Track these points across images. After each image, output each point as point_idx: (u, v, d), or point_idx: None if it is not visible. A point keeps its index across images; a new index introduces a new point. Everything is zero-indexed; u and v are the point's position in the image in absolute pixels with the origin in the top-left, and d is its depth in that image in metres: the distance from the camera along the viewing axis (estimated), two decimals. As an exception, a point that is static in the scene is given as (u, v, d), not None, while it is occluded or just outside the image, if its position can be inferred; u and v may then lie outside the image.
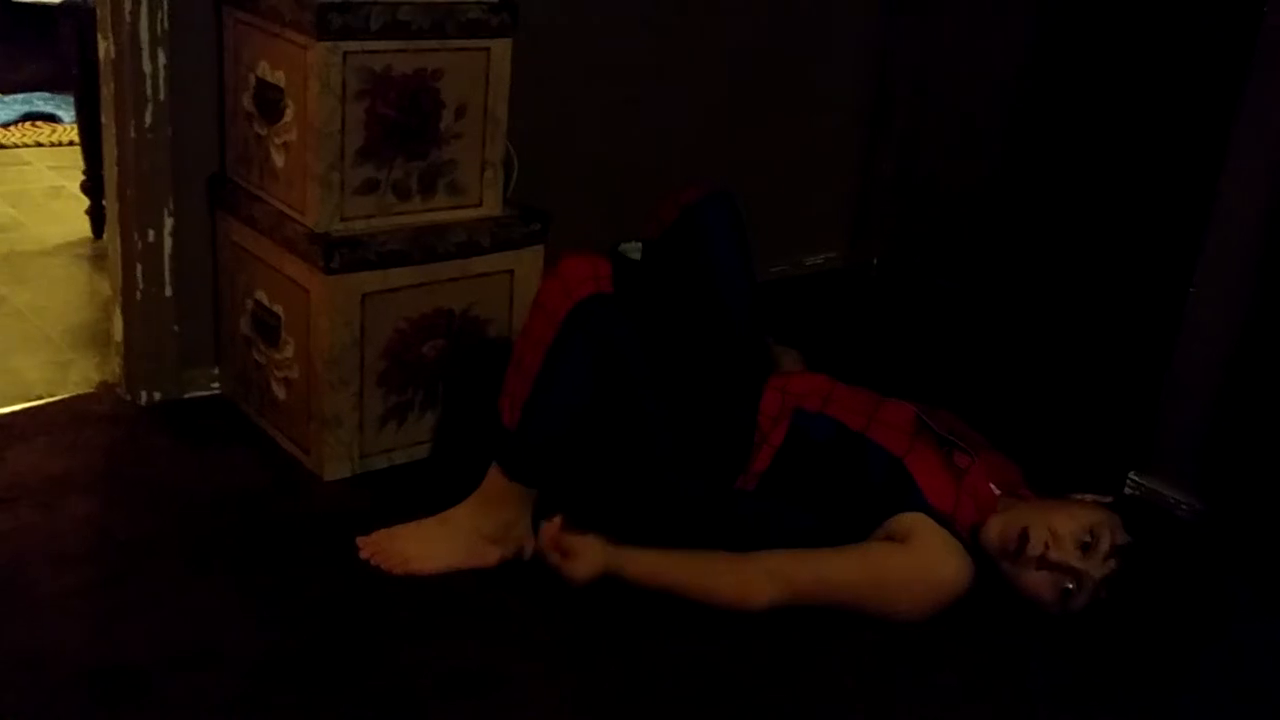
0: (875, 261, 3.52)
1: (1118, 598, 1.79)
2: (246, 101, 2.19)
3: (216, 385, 2.42)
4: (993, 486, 1.93)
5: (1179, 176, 2.74)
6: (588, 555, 1.86)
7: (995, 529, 1.85)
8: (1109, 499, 1.93)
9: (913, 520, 1.87)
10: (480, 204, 2.22)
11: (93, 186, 3.16)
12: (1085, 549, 1.80)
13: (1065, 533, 1.81)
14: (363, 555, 1.94)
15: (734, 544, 1.91)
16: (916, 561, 1.85)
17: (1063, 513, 1.84)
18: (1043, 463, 2.11)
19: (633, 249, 2.79)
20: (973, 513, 1.90)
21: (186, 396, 2.39)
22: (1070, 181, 3.06)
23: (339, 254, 2.04)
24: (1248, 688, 1.85)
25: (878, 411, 2.00)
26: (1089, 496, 1.92)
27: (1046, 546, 1.80)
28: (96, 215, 3.17)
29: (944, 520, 1.87)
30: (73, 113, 3.36)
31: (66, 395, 2.39)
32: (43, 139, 4.16)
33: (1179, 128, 2.79)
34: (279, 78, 2.09)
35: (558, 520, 1.88)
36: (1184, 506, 2.29)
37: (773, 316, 2.44)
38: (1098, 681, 1.83)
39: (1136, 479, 2.36)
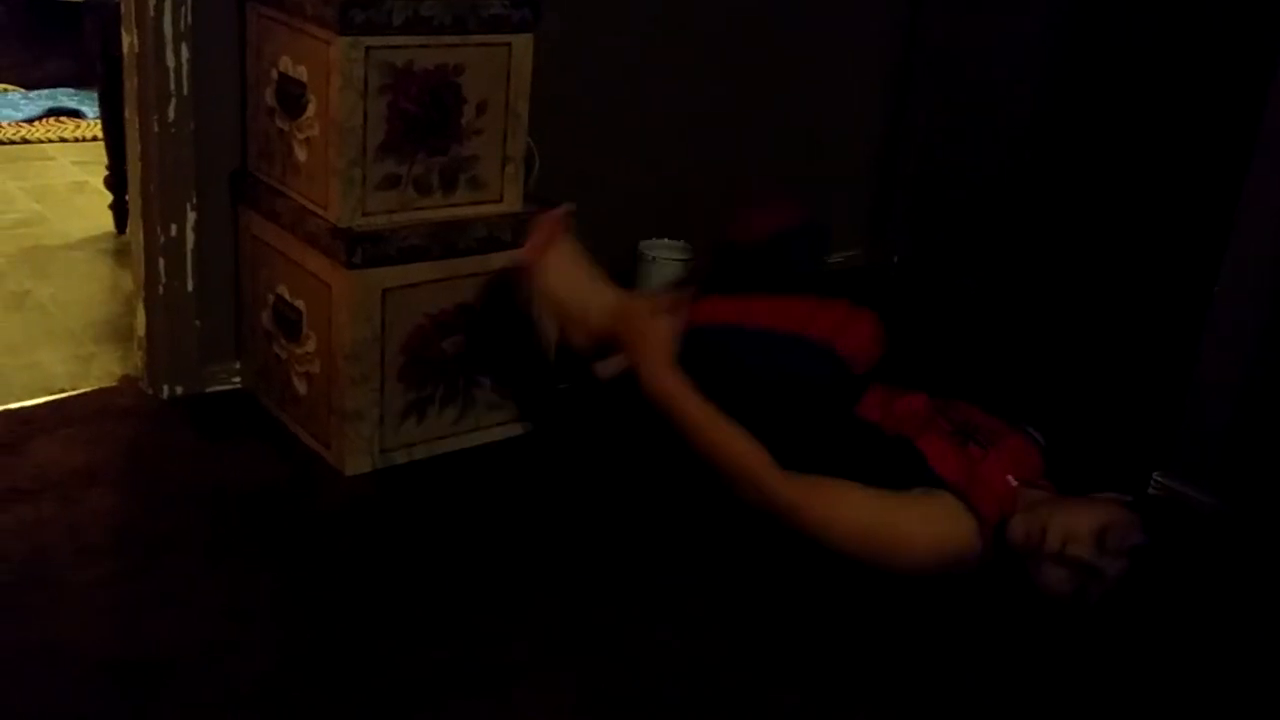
0: (896, 259, 3.50)
1: (1125, 596, 1.80)
2: (269, 96, 2.20)
3: (238, 380, 2.43)
4: (1010, 478, 1.95)
5: (1204, 174, 2.72)
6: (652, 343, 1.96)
7: (1020, 527, 1.87)
8: (1128, 498, 1.93)
9: (934, 491, 1.90)
10: (501, 199, 2.22)
11: (116, 181, 3.18)
12: (1101, 545, 1.80)
13: (1082, 529, 1.81)
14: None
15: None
16: (934, 516, 1.88)
17: (1082, 510, 1.85)
18: (1066, 461, 2.10)
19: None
20: (990, 504, 1.90)
21: (208, 391, 2.40)
22: (1094, 178, 3.04)
23: (360, 249, 2.04)
24: (1259, 688, 1.84)
25: (892, 405, 2.04)
26: (1109, 495, 1.92)
27: (1064, 542, 1.81)
28: (119, 210, 3.18)
29: (959, 495, 1.89)
30: (96, 108, 3.37)
31: (89, 389, 2.40)
32: (66, 134, 4.18)
33: (1205, 125, 2.77)
34: (301, 73, 2.09)
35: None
36: (1207, 506, 2.27)
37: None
38: (1109, 680, 1.82)
39: (1160, 479, 2.35)
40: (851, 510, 1.87)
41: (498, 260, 2.20)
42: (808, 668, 1.78)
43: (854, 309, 2.13)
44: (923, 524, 1.87)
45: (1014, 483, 1.94)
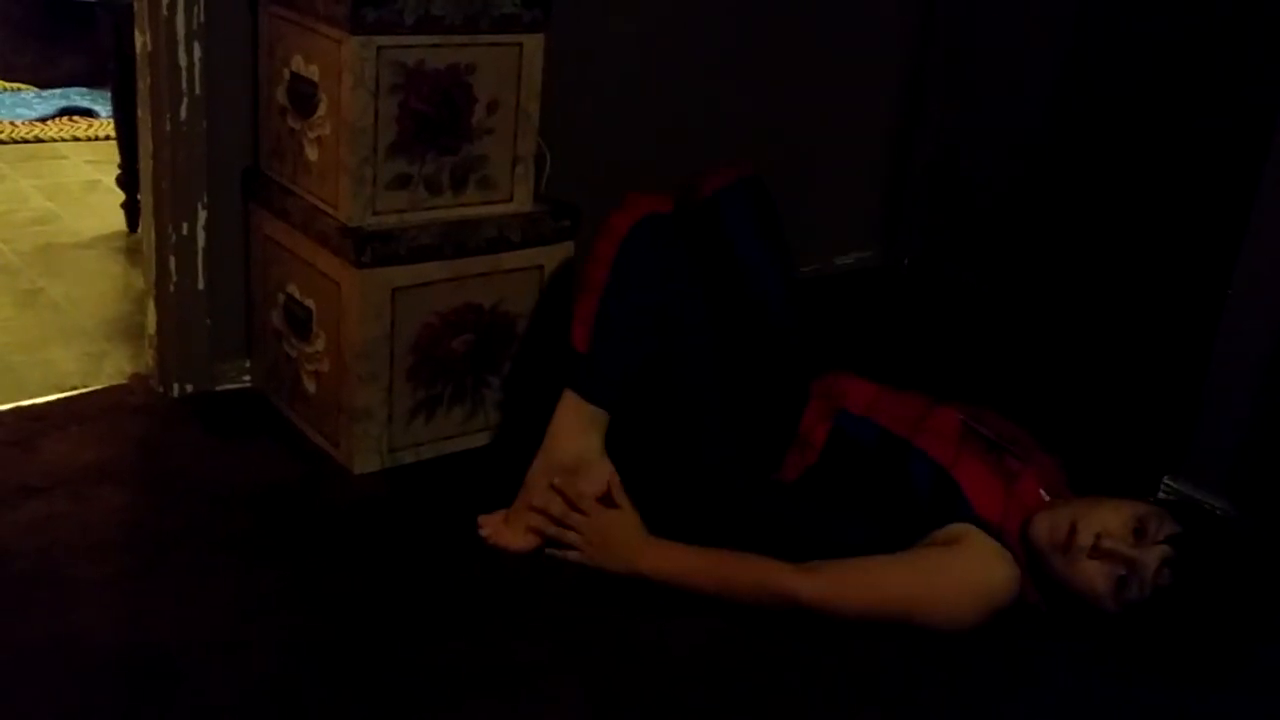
0: (906, 261, 3.50)
1: (1180, 582, 1.73)
2: (281, 95, 2.20)
3: (248, 378, 2.43)
4: (1042, 492, 1.90)
5: (1218, 177, 2.71)
6: (614, 531, 1.89)
7: (1044, 524, 1.81)
8: (1147, 500, 1.90)
9: (960, 530, 1.84)
10: (511, 199, 2.22)
11: (128, 180, 3.19)
12: (1138, 535, 1.75)
13: (1115, 522, 1.77)
14: (482, 534, 1.98)
15: (770, 548, 1.88)
16: (965, 567, 1.82)
17: (1108, 506, 1.80)
18: (1078, 465, 2.08)
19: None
20: (1021, 519, 1.86)
21: (218, 389, 2.40)
22: (1108, 181, 3.03)
23: (370, 248, 2.05)
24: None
25: (924, 420, 1.97)
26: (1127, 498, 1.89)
27: (1099, 535, 1.76)
28: (132, 209, 3.19)
29: (992, 530, 1.84)
30: (109, 107, 3.39)
31: (100, 386, 2.41)
32: (80, 133, 4.20)
33: (1218, 128, 2.76)
34: (313, 72, 2.09)
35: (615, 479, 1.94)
36: (1219, 511, 2.26)
37: (807, 315, 2.43)
38: (1136, 679, 1.81)
39: (1171, 483, 2.33)
40: (883, 590, 1.82)
41: (508, 260, 2.20)
42: (817, 666, 1.78)
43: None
44: (960, 583, 1.82)
45: (1046, 497, 1.89)
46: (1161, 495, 2.32)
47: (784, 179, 3.15)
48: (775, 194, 2.21)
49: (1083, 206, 3.09)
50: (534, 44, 2.15)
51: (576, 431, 1.96)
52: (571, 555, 1.92)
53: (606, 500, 1.95)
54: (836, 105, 3.25)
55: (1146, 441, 2.47)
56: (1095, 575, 1.77)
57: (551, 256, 2.25)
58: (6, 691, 1.59)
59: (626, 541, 1.90)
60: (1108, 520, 1.77)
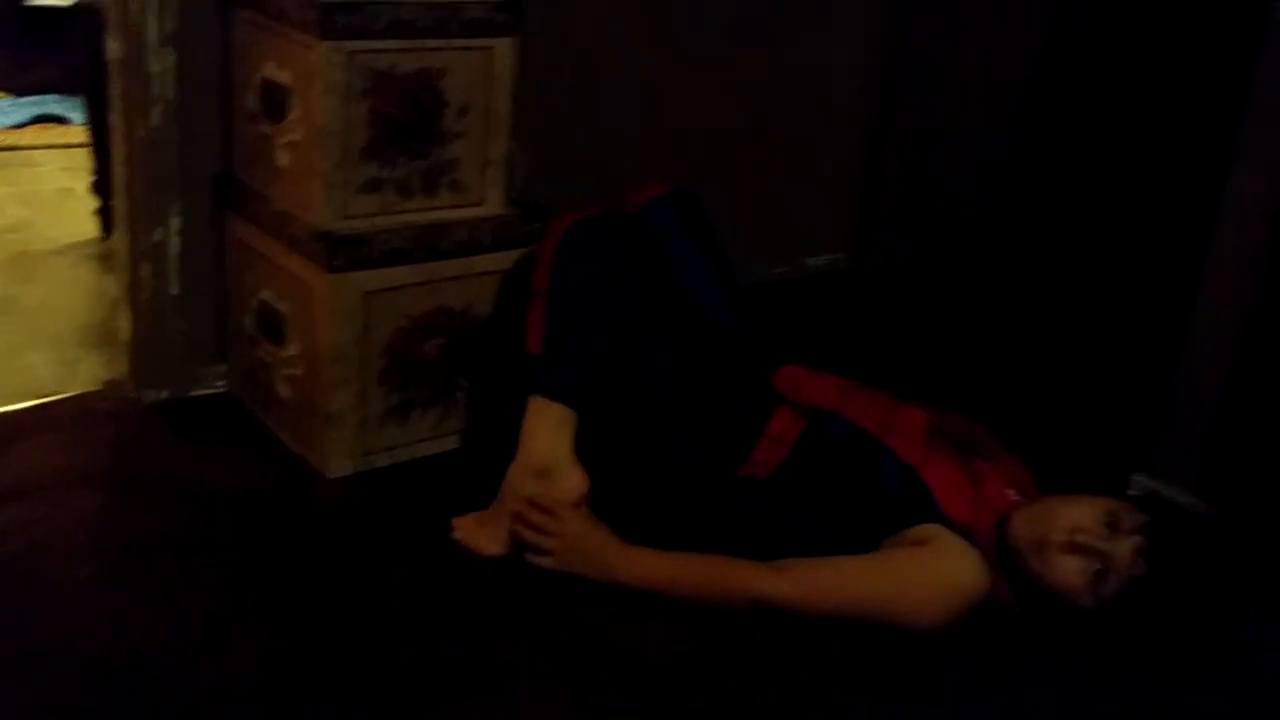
0: (878, 263, 3.52)
1: (1155, 571, 1.75)
2: (252, 101, 2.21)
3: (222, 383, 2.43)
4: (1011, 492, 1.92)
5: (1186, 179, 2.74)
6: (587, 540, 1.90)
7: (1022, 522, 1.83)
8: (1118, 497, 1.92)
9: (930, 530, 1.86)
10: (483, 203, 2.23)
11: (101, 187, 3.19)
12: (1111, 529, 1.77)
13: (1088, 517, 1.79)
14: (455, 536, 2.00)
15: (743, 546, 1.90)
16: (934, 565, 1.84)
17: (1080, 502, 1.82)
18: (1047, 464, 2.10)
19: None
20: (991, 519, 1.88)
21: (192, 394, 2.41)
22: (1076, 183, 3.06)
23: (342, 252, 2.06)
24: (1257, 689, 1.85)
25: (893, 418, 2.00)
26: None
27: (1073, 531, 1.78)
28: (105, 215, 3.19)
29: (962, 530, 1.86)
30: (83, 114, 3.38)
31: (74, 392, 2.40)
32: (53, 140, 4.19)
33: (1187, 129, 2.79)
34: (285, 77, 2.10)
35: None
36: (1188, 508, 2.28)
37: (777, 318, 2.45)
38: (1110, 674, 1.84)
39: (1140, 480, 2.36)
40: (854, 590, 1.84)
41: (479, 263, 2.21)
42: (795, 663, 1.79)
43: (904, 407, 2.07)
44: (930, 583, 1.84)
45: (1014, 497, 1.91)
46: (1131, 492, 2.35)
47: (756, 181, 3.20)
48: (747, 196, 2.24)
49: (1051, 208, 3.12)
50: (505, 47, 2.16)
51: (547, 435, 1.97)
52: (545, 562, 1.93)
53: (580, 507, 1.96)
54: (807, 107, 3.27)
55: (1115, 439, 2.50)
56: (1071, 571, 1.78)
57: (520, 258, 2.26)
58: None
59: (600, 548, 1.91)
60: (1080, 516, 1.79)
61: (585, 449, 2.00)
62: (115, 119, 2.28)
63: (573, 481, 1.98)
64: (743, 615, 1.84)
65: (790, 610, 1.83)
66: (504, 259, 2.23)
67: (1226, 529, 2.19)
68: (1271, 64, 2.10)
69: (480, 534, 1.99)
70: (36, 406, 2.33)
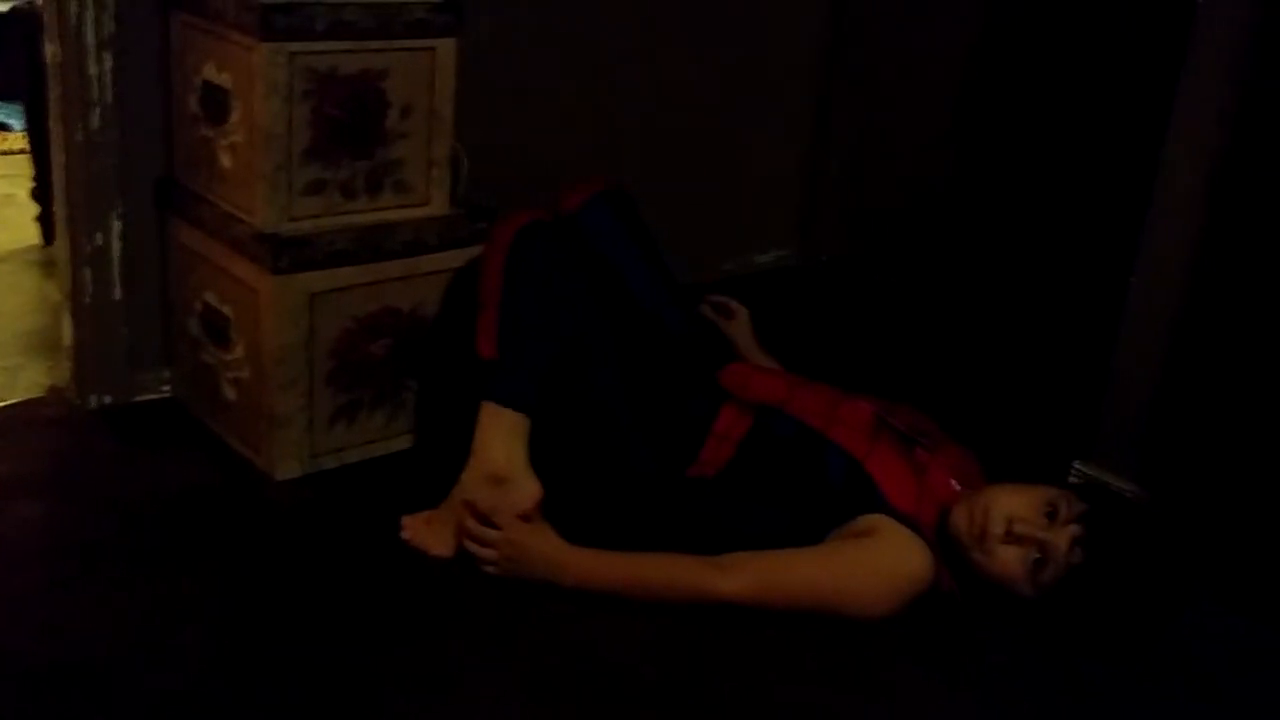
0: (824, 259, 3.55)
1: (1093, 559, 1.79)
2: (193, 104, 2.20)
3: (167, 388, 2.42)
4: (954, 482, 1.95)
5: (1119, 172, 2.79)
6: (534, 548, 1.89)
7: (961, 514, 1.86)
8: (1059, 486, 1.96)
9: (875, 520, 1.89)
10: (428, 203, 2.23)
11: (42, 192, 3.15)
12: (1050, 518, 1.81)
13: (1026, 507, 1.82)
14: (404, 535, 1.99)
15: (694, 545, 1.92)
16: (880, 555, 1.87)
17: (1019, 491, 1.86)
18: (989, 453, 2.13)
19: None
20: (935, 509, 1.91)
21: (137, 399, 2.39)
22: (1015, 178, 3.11)
23: (287, 254, 2.05)
24: (1196, 673, 1.89)
25: (837, 411, 2.02)
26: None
27: (1010, 521, 1.81)
28: (46, 221, 3.15)
29: (907, 520, 1.88)
30: (21, 120, 3.35)
31: (17, 400, 2.38)
32: (-9, 147, 4.14)
33: (1120, 124, 2.84)
34: (225, 79, 2.09)
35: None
36: (1127, 494, 2.33)
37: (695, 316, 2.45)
38: (1055, 662, 1.87)
39: (1080, 468, 2.40)
40: (801, 582, 1.86)
41: (425, 263, 2.21)
42: (747, 657, 1.81)
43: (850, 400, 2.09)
44: (875, 572, 1.86)
45: (957, 487, 1.95)
46: (1072, 480, 2.39)
47: (702, 178, 3.22)
48: (695, 193, 2.25)
49: (991, 203, 3.16)
50: (447, 48, 2.16)
51: (500, 441, 1.97)
52: (491, 570, 1.92)
53: (529, 516, 1.95)
54: (752, 104, 3.30)
55: (1056, 428, 2.54)
56: (1011, 560, 1.81)
57: (469, 259, 2.26)
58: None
59: (545, 554, 1.90)
60: (1019, 505, 1.82)
61: (537, 451, 2.01)
62: (54, 124, 2.26)
63: (527, 490, 1.97)
64: (694, 611, 1.85)
65: (741, 605, 1.85)
66: (450, 259, 2.24)
67: (1165, 516, 2.23)
68: (1198, 61, 2.15)
69: (429, 534, 1.99)
70: (-21, 414, 2.31)
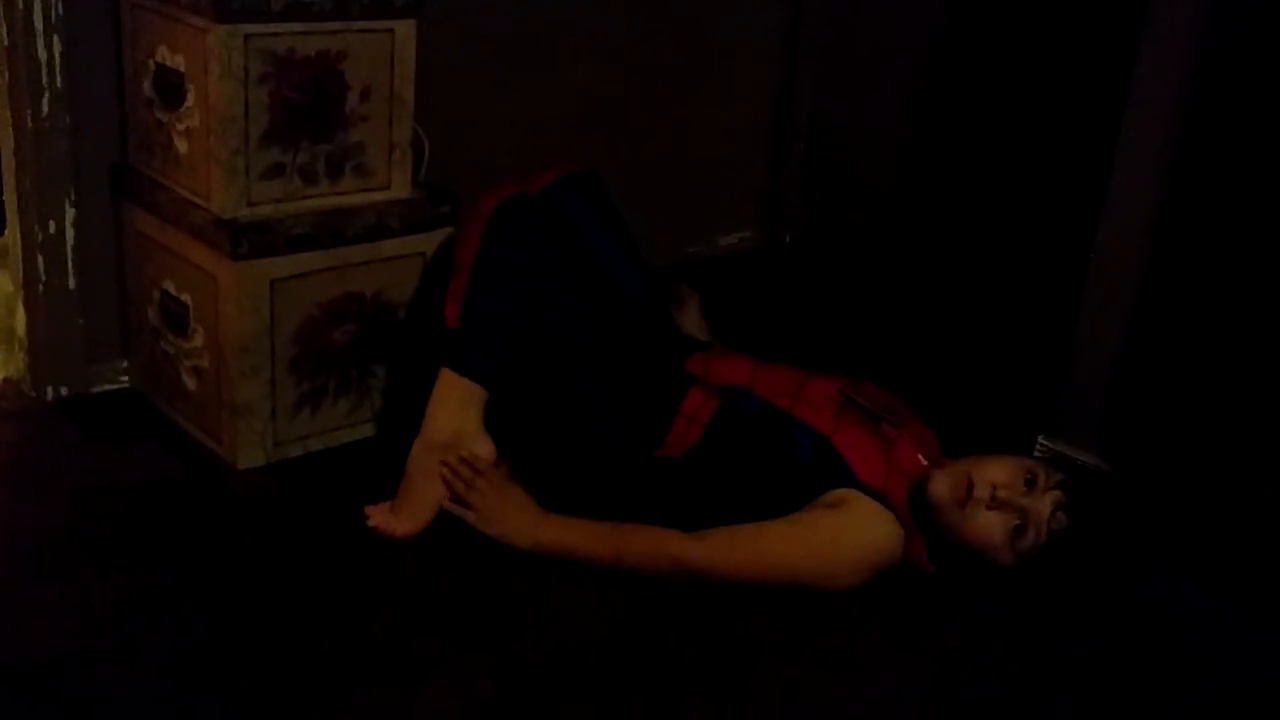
0: (788, 239, 3.55)
1: (1075, 524, 1.82)
2: (147, 88, 2.16)
3: (125, 378, 2.38)
4: (920, 457, 1.97)
5: (1079, 149, 2.81)
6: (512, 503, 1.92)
7: (943, 482, 1.88)
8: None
9: (843, 493, 1.90)
10: (389, 186, 2.20)
11: (-8, 181, 3.08)
12: (1029, 485, 1.84)
13: (1007, 475, 1.85)
14: (370, 524, 1.99)
15: (662, 522, 1.93)
16: (846, 525, 1.88)
17: (999, 461, 1.89)
18: (955, 429, 2.15)
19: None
20: (903, 483, 1.93)
21: (94, 390, 2.35)
22: (976, 155, 3.12)
23: (246, 239, 2.02)
24: (1160, 642, 1.91)
25: (802, 390, 2.03)
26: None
27: (994, 487, 1.83)
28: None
29: (875, 494, 1.90)
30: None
31: (-30, 392, 2.34)
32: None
33: (1079, 102, 2.86)
34: (179, 62, 2.06)
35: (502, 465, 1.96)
36: (1091, 468, 2.35)
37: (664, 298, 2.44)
38: (1022, 629, 1.88)
39: (1045, 442, 2.42)
40: (770, 553, 1.87)
41: (388, 247, 2.19)
42: (715, 633, 1.81)
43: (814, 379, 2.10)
44: (844, 542, 1.88)
45: (924, 461, 1.96)
46: (1037, 454, 2.40)
47: (665, 161, 3.21)
48: (658, 176, 2.24)
49: (953, 181, 3.18)
50: (406, 29, 2.14)
51: (453, 408, 1.97)
52: (470, 517, 1.94)
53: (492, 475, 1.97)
54: (714, 87, 3.28)
55: (1020, 403, 2.55)
56: (993, 526, 1.83)
57: (432, 243, 2.24)
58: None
59: (522, 511, 1.94)
60: (1000, 473, 1.85)
61: (505, 430, 2.00)
62: (2, 110, 2.22)
63: (481, 451, 1.98)
64: (659, 586, 1.86)
65: (710, 576, 1.86)
66: (412, 243, 2.22)
67: (1131, 486, 2.26)
68: (1158, 24, 2.16)
69: (392, 518, 1.98)
70: (-67, 407, 2.27)
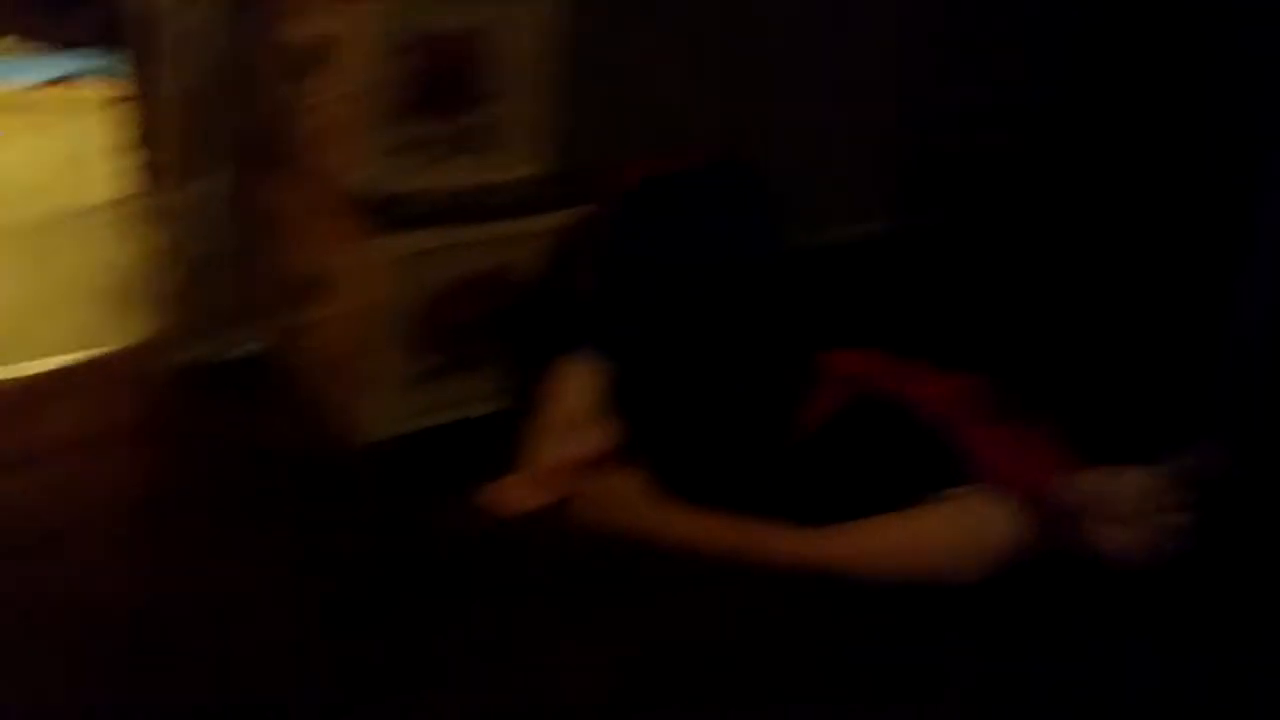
0: (919, 230, 3.47)
1: (1209, 534, 1.80)
2: (291, 58, 2.17)
3: (257, 344, 2.41)
4: (1048, 456, 1.92)
5: (1232, 139, 2.69)
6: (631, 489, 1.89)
7: (1080, 484, 1.85)
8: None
9: (969, 490, 1.87)
10: (526, 162, 2.19)
11: (138, 143, 3.16)
12: (1164, 498, 1.81)
13: (1142, 485, 1.82)
14: (486, 500, 1.97)
15: (785, 510, 1.90)
16: (973, 523, 1.86)
17: (1137, 471, 1.85)
18: (1091, 431, 2.08)
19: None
20: (1032, 481, 1.88)
21: (227, 354, 2.39)
22: (1121, 143, 3.03)
23: (380, 214, 2.03)
24: None
25: (933, 385, 2.00)
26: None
27: (1125, 500, 1.81)
28: (140, 173, 3.16)
29: (1004, 491, 1.86)
30: (119, 69, 3.35)
31: (107, 352, 2.39)
32: (91, 95, 4.16)
33: (1231, 93, 2.74)
34: (324, 34, 2.07)
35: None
36: (1232, 478, 2.25)
37: (821, 287, 2.41)
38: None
39: (1182, 450, 2.32)
40: (894, 548, 1.86)
41: (523, 224, 2.17)
42: (826, 632, 1.78)
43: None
44: (969, 539, 1.85)
45: (1052, 460, 1.92)
46: (1174, 462, 2.31)
47: (799, 146, 3.14)
48: (788, 163, 2.20)
49: (1094, 168, 3.08)
50: (550, 5, 2.12)
51: (578, 387, 1.97)
52: (586, 518, 1.91)
53: (613, 460, 1.95)
54: (850, 71, 3.21)
55: (1161, 410, 2.46)
56: (1125, 536, 1.82)
57: (567, 221, 2.22)
58: (23, 649, 1.60)
59: (635, 503, 1.92)
60: (1134, 483, 1.82)
61: (629, 413, 1.98)
62: (152, 73, 2.26)
63: (598, 435, 1.96)
64: (772, 581, 1.84)
65: (831, 572, 1.84)
66: (549, 221, 2.19)
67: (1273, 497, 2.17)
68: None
69: (509, 496, 1.98)
70: (72, 366, 2.32)
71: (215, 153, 2.27)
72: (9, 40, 4.57)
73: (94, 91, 4.20)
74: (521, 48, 2.11)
